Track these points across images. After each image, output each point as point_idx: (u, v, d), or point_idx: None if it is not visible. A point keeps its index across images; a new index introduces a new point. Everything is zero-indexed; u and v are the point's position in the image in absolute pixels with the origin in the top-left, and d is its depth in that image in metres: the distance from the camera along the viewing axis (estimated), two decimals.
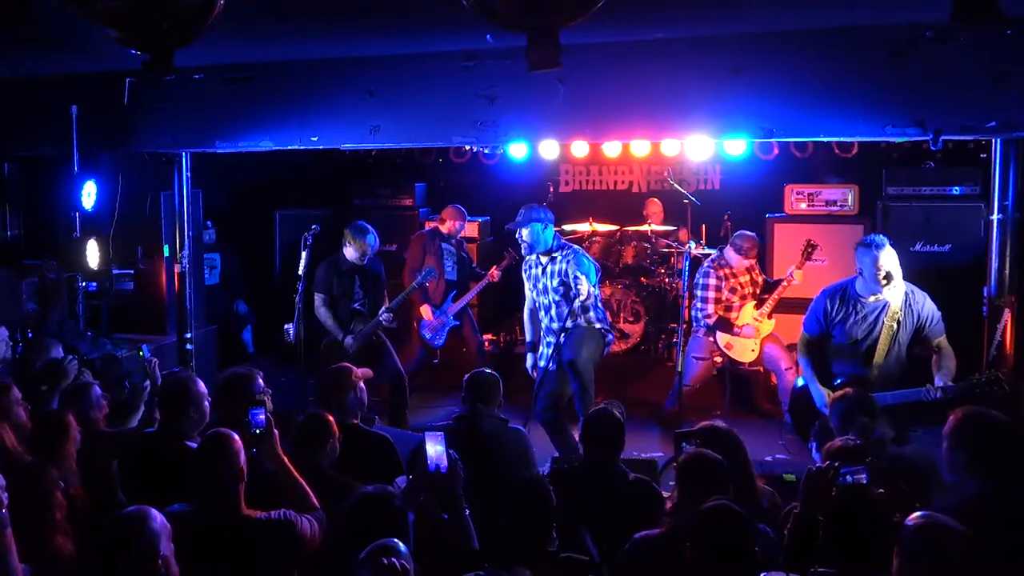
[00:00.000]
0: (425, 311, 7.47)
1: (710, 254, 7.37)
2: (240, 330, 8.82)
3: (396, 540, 2.86)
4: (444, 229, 7.68)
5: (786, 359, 6.81)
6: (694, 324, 6.97)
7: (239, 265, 8.86)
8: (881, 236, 5.35)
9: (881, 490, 3.25)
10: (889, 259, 5.18)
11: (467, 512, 3.53)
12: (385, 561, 2.66)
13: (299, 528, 3.38)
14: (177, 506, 3.40)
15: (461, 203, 7.93)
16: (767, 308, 6.67)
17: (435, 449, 3.54)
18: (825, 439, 4.17)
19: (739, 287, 6.83)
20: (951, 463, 3.55)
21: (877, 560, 2.92)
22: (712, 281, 6.78)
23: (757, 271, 6.99)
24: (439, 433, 3.65)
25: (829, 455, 3.50)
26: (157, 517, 2.92)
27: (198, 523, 3.34)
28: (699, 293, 6.84)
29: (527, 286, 6.26)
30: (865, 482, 3.17)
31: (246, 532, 3.36)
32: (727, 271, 6.81)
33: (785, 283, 6.61)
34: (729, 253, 6.86)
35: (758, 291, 6.88)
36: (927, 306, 5.25)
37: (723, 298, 6.77)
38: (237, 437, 3.50)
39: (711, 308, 6.75)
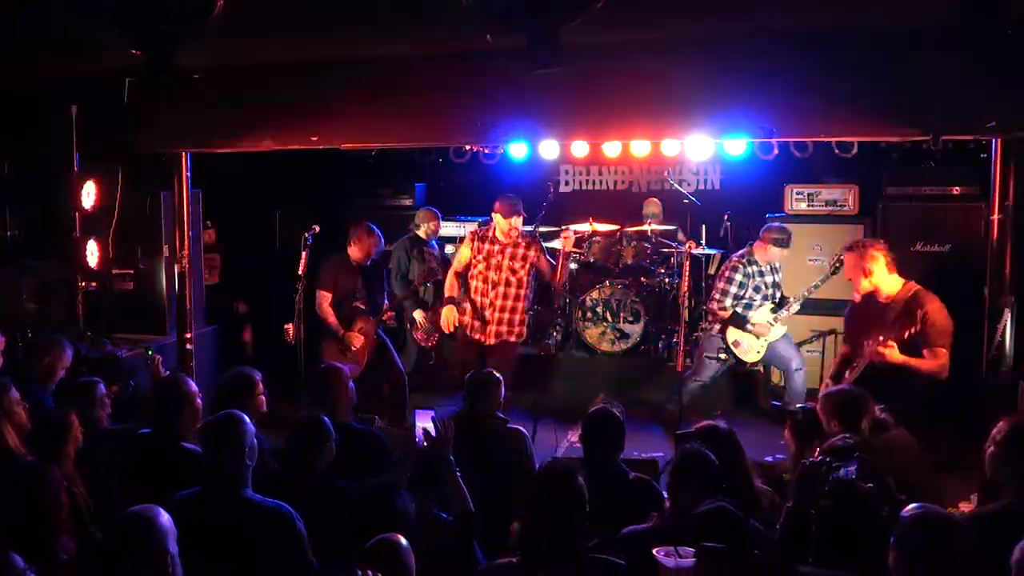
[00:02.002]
0: (420, 316, 7.48)
1: (710, 253, 7.35)
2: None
3: (398, 536, 2.87)
4: (422, 234, 7.68)
5: (796, 359, 6.78)
6: (708, 318, 6.91)
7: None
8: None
9: (870, 485, 3.26)
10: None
11: (458, 474, 3.65)
12: (359, 573, 2.66)
13: (299, 523, 3.39)
14: (185, 492, 3.45)
15: (461, 203, 7.92)
16: (783, 314, 6.62)
17: (424, 425, 3.65)
18: (804, 434, 4.23)
19: (763, 287, 6.77)
20: (995, 471, 3.40)
21: (867, 553, 2.92)
22: (737, 277, 6.67)
23: (778, 273, 6.93)
24: (430, 411, 3.73)
25: (821, 451, 3.53)
26: (164, 515, 2.94)
27: (205, 504, 3.39)
28: (720, 284, 6.73)
29: (469, 253, 6.63)
30: (854, 477, 3.18)
31: (250, 513, 3.39)
32: (755, 268, 6.74)
33: (807, 292, 6.56)
34: (759, 248, 6.77)
35: (777, 293, 6.82)
36: None
37: (745, 295, 6.71)
38: (247, 419, 3.56)
39: (729, 302, 6.68)
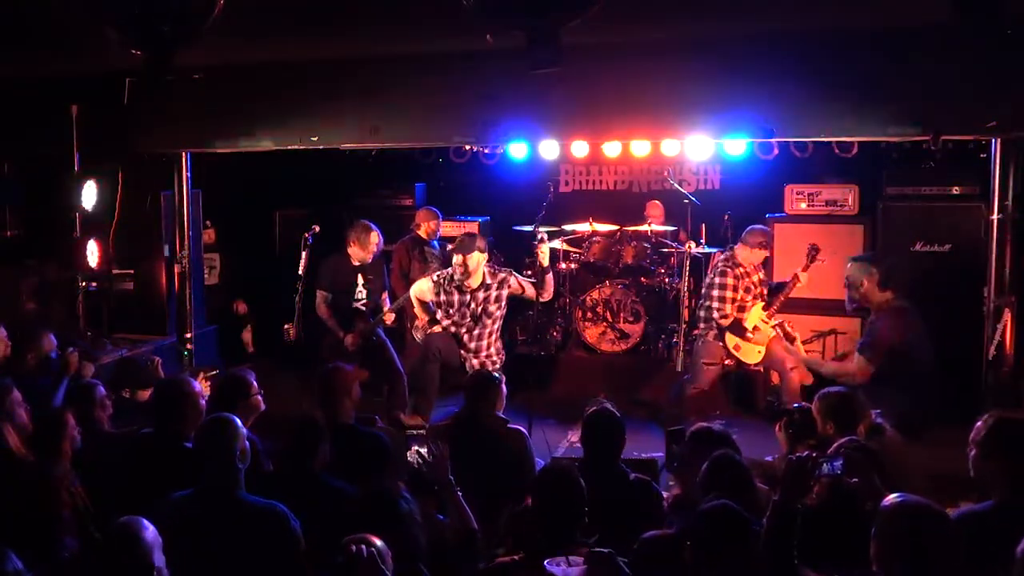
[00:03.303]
0: (420, 312, 7.48)
1: (710, 253, 7.33)
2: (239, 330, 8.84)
3: (372, 536, 2.86)
4: (422, 234, 7.68)
5: (791, 359, 6.76)
6: (703, 325, 6.88)
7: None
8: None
9: (855, 480, 3.26)
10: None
11: (459, 493, 3.61)
12: (354, 548, 2.65)
13: (293, 523, 3.39)
14: (179, 493, 3.44)
15: (461, 203, 7.90)
16: (774, 309, 6.63)
17: (419, 449, 3.66)
18: (797, 433, 4.23)
19: (752, 286, 6.75)
20: (979, 473, 3.37)
21: (852, 548, 2.92)
22: (729, 281, 6.61)
23: (762, 271, 6.91)
24: (420, 434, 3.72)
25: (808, 446, 3.53)
26: (149, 528, 2.90)
27: (198, 505, 3.37)
28: (715, 293, 6.66)
29: (432, 297, 6.36)
30: (840, 472, 3.19)
31: (243, 514, 3.38)
32: (741, 270, 6.73)
33: (789, 287, 6.55)
34: (741, 251, 6.75)
35: (764, 291, 6.81)
36: None
37: (738, 298, 6.69)
38: (238, 420, 3.55)
39: (728, 308, 6.61)
